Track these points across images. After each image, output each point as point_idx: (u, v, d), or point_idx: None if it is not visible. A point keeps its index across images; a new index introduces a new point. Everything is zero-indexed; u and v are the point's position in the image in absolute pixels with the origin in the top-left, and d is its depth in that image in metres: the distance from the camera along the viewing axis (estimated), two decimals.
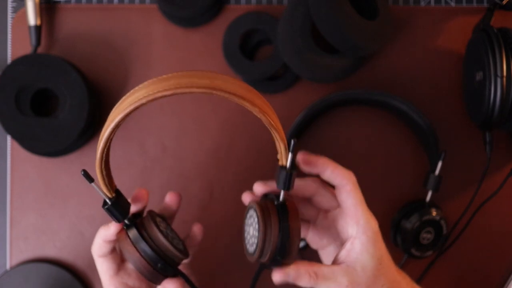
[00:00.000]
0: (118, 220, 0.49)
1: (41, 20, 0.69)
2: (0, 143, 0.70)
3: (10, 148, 0.69)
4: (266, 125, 0.44)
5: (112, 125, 0.43)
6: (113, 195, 0.49)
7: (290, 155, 0.46)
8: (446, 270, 0.69)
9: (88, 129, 0.67)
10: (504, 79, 0.59)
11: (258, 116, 0.43)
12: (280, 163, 0.48)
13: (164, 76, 0.42)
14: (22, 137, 0.65)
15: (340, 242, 0.53)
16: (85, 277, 0.69)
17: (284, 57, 0.65)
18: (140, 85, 0.43)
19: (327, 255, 0.57)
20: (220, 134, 0.69)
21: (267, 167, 0.69)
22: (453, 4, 0.70)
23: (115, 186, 0.50)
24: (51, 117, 0.65)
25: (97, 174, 0.47)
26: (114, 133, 0.44)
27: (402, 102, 0.66)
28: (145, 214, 0.52)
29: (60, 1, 0.70)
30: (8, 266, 0.69)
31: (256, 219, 0.48)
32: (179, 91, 0.41)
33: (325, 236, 0.55)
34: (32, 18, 0.68)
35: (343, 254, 0.50)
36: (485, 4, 0.70)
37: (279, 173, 0.48)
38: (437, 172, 0.64)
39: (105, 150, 0.45)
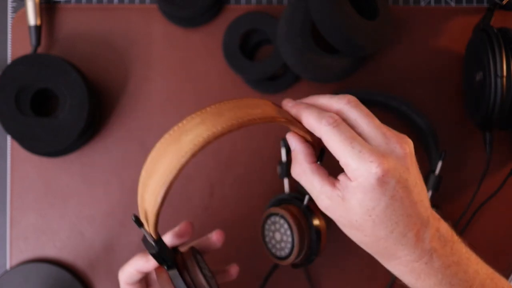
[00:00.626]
0: (162, 264, 0.47)
1: (41, 20, 0.69)
2: (0, 143, 0.70)
3: (10, 148, 0.69)
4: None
5: (175, 172, 0.37)
6: (157, 237, 0.45)
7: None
8: None
9: (88, 129, 0.67)
10: (504, 79, 0.59)
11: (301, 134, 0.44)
12: None
13: (212, 109, 0.39)
14: (22, 137, 0.65)
15: None
16: (85, 277, 0.69)
17: (284, 57, 0.65)
18: (190, 119, 0.39)
19: None
20: None
21: (267, 167, 0.69)
22: (453, 4, 0.70)
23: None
24: (51, 117, 0.65)
25: (152, 220, 0.43)
26: (177, 178, 0.38)
27: (402, 102, 0.66)
28: (186, 248, 0.51)
29: (60, 1, 0.70)
30: (8, 266, 0.69)
31: (286, 225, 0.52)
32: (241, 125, 0.39)
33: None
34: (32, 18, 0.68)
35: (342, 178, 0.42)
36: (485, 4, 0.70)
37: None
38: (437, 172, 0.64)
39: (165, 196, 0.39)
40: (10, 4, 0.70)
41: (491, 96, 0.59)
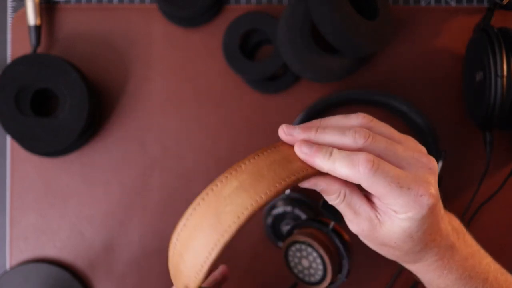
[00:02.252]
0: None
1: (41, 20, 0.69)
2: (0, 143, 0.70)
3: (10, 148, 0.69)
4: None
5: (216, 251, 0.34)
6: None
7: None
8: None
9: (88, 129, 0.67)
10: (505, 79, 0.59)
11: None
12: None
13: (248, 166, 0.36)
14: (22, 137, 0.65)
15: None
16: (85, 277, 0.69)
17: (284, 57, 0.65)
18: (226, 181, 0.35)
19: None
20: (220, 134, 0.69)
21: None
22: (453, 4, 0.70)
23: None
24: (51, 117, 0.65)
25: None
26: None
27: (402, 102, 0.66)
28: None
29: (60, 1, 0.70)
30: (8, 266, 0.69)
31: (315, 253, 0.51)
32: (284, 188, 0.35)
33: None
34: (32, 18, 0.68)
35: (378, 203, 0.40)
36: (486, 4, 0.70)
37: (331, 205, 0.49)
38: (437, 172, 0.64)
39: (207, 274, 0.36)
40: (9, 4, 0.70)
41: (491, 96, 0.59)
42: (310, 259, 0.52)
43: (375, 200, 0.40)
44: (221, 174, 0.35)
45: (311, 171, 0.37)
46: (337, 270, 0.53)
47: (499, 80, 0.59)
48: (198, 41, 0.70)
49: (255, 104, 0.69)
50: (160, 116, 0.70)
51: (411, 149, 0.40)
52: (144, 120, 0.70)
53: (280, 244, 0.67)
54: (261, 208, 0.34)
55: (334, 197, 0.40)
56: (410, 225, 0.39)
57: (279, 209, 0.65)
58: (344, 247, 0.52)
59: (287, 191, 0.67)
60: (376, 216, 0.40)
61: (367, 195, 0.41)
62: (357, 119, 0.40)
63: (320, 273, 0.53)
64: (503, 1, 0.65)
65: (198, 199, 0.35)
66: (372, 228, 0.40)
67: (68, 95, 0.65)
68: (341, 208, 0.41)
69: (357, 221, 0.40)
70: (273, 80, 0.69)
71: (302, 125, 0.40)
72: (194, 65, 0.70)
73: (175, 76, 0.70)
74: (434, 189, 0.39)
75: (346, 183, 0.39)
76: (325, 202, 0.47)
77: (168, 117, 0.70)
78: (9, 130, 0.64)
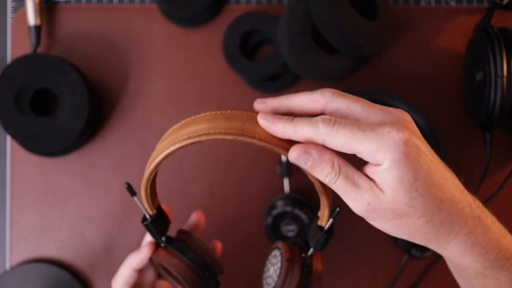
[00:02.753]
0: (155, 237, 0.49)
1: (41, 20, 0.69)
2: (0, 143, 0.70)
3: (10, 148, 0.69)
4: (317, 190, 0.43)
5: (166, 152, 0.40)
6: (154, 212, 0.49)
7: (331, 221, 0.45)
8: (446, 270, 0.69)
9: (88, 129, 0.67)
10: (505, 79, 0.59)
11: (312, 180, 0.41)
12: (319, 222, 0.47)
13: (227, 112, 0.40)
14: (22, 137, 0.65)
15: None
16: (85, 277, 0.69)
17: (284, 57, 0.65)
18: (199, 117, 0.41)
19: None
20: None
21: (267, 168, 0.69)
22: (453, 4, 0.70)
23: (158, 202, 0.50)
24: (51, 117, 0.65)
25: (142, 192, 0.47)
26: (165, 159, 0.41)
27: (402, 102, 0.66)
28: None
29: (59, 1, 0.70)
30: (8, 266, 0.69)
31: (279, 264, 0.49)
32: (240, 138, 0.38)
33: None
34: (32, 18, 0.68)
35: (370, 172, 0.39)
36: (486, 4, 0.70)
37: (316, 231, 0.47)
38: None
39: (154, 173, 0.44)
40: (9, 4, 0.70)
41: (491, 96, 0.59)
42: (275, 270, 0.50)
43: (365, 170, 0.39)
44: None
45: (272, 141, 0.39)
46: None
47: (499, 80, 0.59)
48: (198, 41, 0.70)
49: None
50: (160, 116, 0.70)
51: (383, 106, 0.39)
52: (144, 120, 0.70)
53: None
54: (207, 140, 0.39)
55: (328, 170, 0.38)
56: (401, 170, 0.36)
57: (279, 209, 0.65)
58: (305, 280, 0.49)
59: (287, 191, 0.67)
60: (376, 185, 0.38)
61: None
62: (322, 97, 0.40)
63: (273, 286, 0.50)
64: (503, 1, 0.65)
65: (183, 120, 0.42)
66: (377, 199, 0.38)
67: (68, 95, 0.65)
68: (340, 184, 0.38)
69: (360, 195, 0.38)
70: (273, 80, 0.69)
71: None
72: (194, 65, 0.70)
73: (175, 76, 0.70)
74: (405, 130, 0.37)
75: (337, 154, 0.38)
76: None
77: (168, 117, 0.70)
78: (9, 130, 0.64)
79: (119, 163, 0.69)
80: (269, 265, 0.52)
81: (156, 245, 0.51)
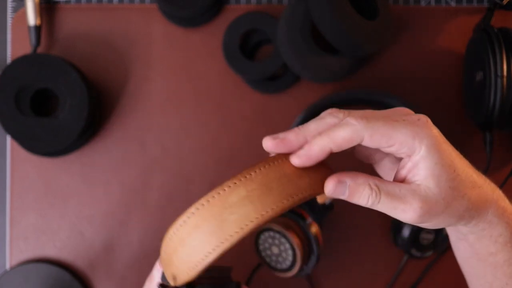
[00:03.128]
0: None
1: (41, 20, 0.69)
2: (0, 143, 0.70)
3: (10, 148, 0.69)
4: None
5: (214, 256, 0.34)
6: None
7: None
8: (446, 270, 0.69)
9: (88, 129, 0.67)
10: (505, 79, 0.59)
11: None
12: (319, 200, 0.48)
13: (257, 176, 0.35)
14: (22, 137, 0.65)
15: (394, 157, 0.42)
16: (85, 277, 0.69)
17: (284, 57, 0.65)
18: (234, 188, 0.34)
19: (381, 170, 0.45)
20: (220, 134, 0.69)
21: None
22: (453, 4, 0.70)
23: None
24: (51, 117, 0.65)
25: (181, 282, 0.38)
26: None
27: (402, 102, 0.66)
28: None
29: (59, 1, 0.70)
30: (8, 266, 0.69)
31: (283, 239, 0.49)
32: (291, 206, 0.35)
33: (373, 150, 0.43)
34: (32, 18, 0.68)
35: (405, 172, 0.38)
36: (486, 4, 0.70)
37: (315, 205, 0.48)
38: None
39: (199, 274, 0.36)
40: (9, 4, 0.70)
41: (491, 96, 0.59)
42: (281, 248, 0.51)
43: (399, 175, 0.38)
44: (230, 179, 0.35)
45: (318, 190, 0.37)
46: (305, 263, 0.53)
47: (499, 80, 0.59)
48: (198, 41, 0.70)
49: (255, 104, 0.69)
50: (160, 116, 0.70)
51: (391, 110, 0.40)
52: (144, 120, 0.70)
53: None
54: (265, 223, 0.34)
55: (367, 192, 0.37)
56: (439, 155, 0.37)
57: None
58: (316, 244, 0.51)
59: None
60: (418, 184, 0.37)
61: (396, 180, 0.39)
62: (329, 114, 0.39)
63: (288, 263, 0.52)
64: (503, 1, 0.65)
65: (203, 200, 0.35)
66: (426, 197, 0.37)
67: (68, 95, 0.65)
68: (384, 203, 0.37)
69: (409, 204, 0.37)
70: (273, 80, 0.69)
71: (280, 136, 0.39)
72: (194, 65, 0.70)
73: (175, 76, 0.70)
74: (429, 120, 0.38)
75: (369, 175, 0.37)
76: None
77: (168, 117, 0.70)
78: (9, 130, 0.64)
79: (119, 163, 0.69)
80: (266, 245, 0.53)
81: None
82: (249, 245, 0.57)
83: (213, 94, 0.70)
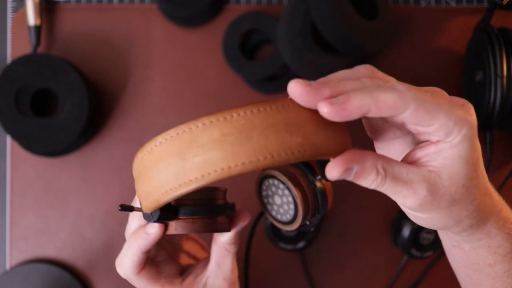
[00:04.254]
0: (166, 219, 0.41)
1: (41, 20, 0.69)
2: (0, 143, 0.70)
3: (10, 148, 0.69)
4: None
5: (174, 195, 0.31)
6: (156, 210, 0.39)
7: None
8: (446, 270, 0.69)
9: (88, 129, 0.67)
10: (505, 79, 0.59)
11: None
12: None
13: (240, 119, 0.30)
14: (22, 137, 0.65)
15: (415, 138, 0.38)
16: (84, 278, 0.69)
17: (284, 57, 0.65)
18: (208, 126, 0.30)
19: (388, 149, 0.41)
20: None
21: None
22: (453, 4, 0.70)
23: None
24: (51, 117, 0.65)
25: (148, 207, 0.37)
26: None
27: None
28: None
29: (59, 1, 0.70)
30: (7, 267, 0.69)
31: (281, 185, 0.43)
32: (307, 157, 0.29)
33: (388, 126, 0.39)
34: (31, 18, 0.68)
35: (421, 155, 0.35)
36: (485, 4, 0.70)
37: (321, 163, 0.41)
38: None
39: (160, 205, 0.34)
40: (9, 4, 0.70)
41: (491, 96, 0.59)
42: (284, 200, 0.46)
43: (414, 155, 0.35)
44: (208, 115, 0.31)
45: (314, 151, 0.31)
46: (310, 206, 0.46)
47: (499, 80, 0.59)
48: (198, 41, 0.70)
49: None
50: (160, 116, 0.70)
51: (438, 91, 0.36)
52: (144, 120, 0.70)
53: (280, 244, 0.67)
54: (230, 177, 0.29)
55: (373, 177, 0.33)
56: (469, 149, 0.34)
57: None
58: (323, 202, 0.45)
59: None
60: (430, 171, 0.34)
61: (406, 160, 0.35)
62: (365, 69, 0.35)
63: (288, 217, 0.47)
64: (503, 1, 0.65)
65: (172, 131, 0.31)
66: (433, 186, 0.34)
67: (68, 95, 0.65)
68: (389, 187, 0.34)
69: (411, 190, 0.34)
70: (273, 80, 0.69)
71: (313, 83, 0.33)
72: (194, 65, 0.70)
73: (175, 76, 0.70)
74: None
75: (375, 155, 0.33)
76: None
77: (168, 117, 0.70)
78: (9, 130, 0.64)
79: (119, 163, 0.69)
80: (269, 193, 0.47)
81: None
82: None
83: (213, 94, 0.70)
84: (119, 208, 0.38)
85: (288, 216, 0.47)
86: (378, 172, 0.33)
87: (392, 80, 0.35)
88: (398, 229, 0.66)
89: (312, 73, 0.65)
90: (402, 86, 0.32)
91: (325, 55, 0.64)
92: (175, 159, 0.30)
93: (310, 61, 0.64)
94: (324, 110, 0.31)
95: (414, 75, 0.69)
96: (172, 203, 0.41)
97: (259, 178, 0.47)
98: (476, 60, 0.63)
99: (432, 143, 0.34)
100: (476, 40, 0.64)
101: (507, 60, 0.59)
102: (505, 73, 0.59)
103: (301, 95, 0.32)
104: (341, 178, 0.33)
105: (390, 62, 0.70)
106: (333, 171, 0.32)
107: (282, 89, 0.69)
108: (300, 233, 0.66)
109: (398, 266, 0.68)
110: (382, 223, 0.69)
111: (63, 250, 0.69)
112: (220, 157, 0.29)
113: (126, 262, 0.43)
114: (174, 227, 0.41)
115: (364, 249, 0.69)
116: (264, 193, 0.47)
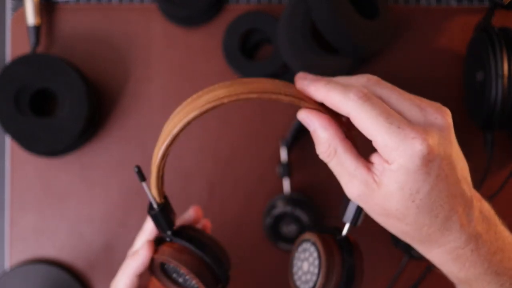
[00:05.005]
0: (163, 229, 0.44)
1: (40, 19, 0.69)
2: (0, 143, 0.70)
3: (10, 148, 0.69)
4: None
5: (185, 120, 0.38)
6: (162, 201, 0.44)
7: None
8: None
9: (88, 129, 0.67)
10: (505, 79, 0.59)
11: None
12: None
13: (243, 79, 0.39)
14: (22, 137, 0.65)
15: None
16: (84, 278, 0.69)
17: (284, 57, 0.65)
18: (213, 87, 0.39)
19: None
20: (220, 134, 0.69)
21: (267, 168, 0.69)
22: (454, 3, 0.70)
23: (164, 191, 0.44)
24: (51, 117, 0.65)
25: (153, 176, 0.42)
26: (183, 130, 0.39)
27: None
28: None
29: (59, 1, 0.70)
30: (7, 267, 0.69)
31: (316, 255, 0.43)
32: (265, 96, 0.37)
33: None
34: (31, 18, 0.67)
35: (376, 161, 0.37)
36: (486, 4, 0.70)
37: (348, 204, 0.43)
38: None
39: (169, 147, 0.40)
40: (9, 4, 0.70)
41: (492, 96, 0.59)
42: (310, 262, 0.45)
43: (372, 158, 0.37)
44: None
45: (302, 98, 0.38)
46: (332, 286, 0.44)
47: (499, 80, 0.59)
48: (198, 41, 0.70)
49: (255, 104, 0.69)
50: (160, 116, 0.70)
51: (423, 100, 0.38)
52: (144, 120, 0.70)
53: (280, 244, 0.67)
54: (231, 101, 0.37)
55: (322, 149, 0.38)
56: (406, 178, 0.35)
57: (279, 210, 0.65)
58: (351, 263, 0.43)
59: (287, 191, 0.66)
60: (373, 179, 0.37)
61: (364, 159, 0.38)
62: (358, 81, 0.38)
63: (313, 280, 0.44)
64: (504, 1, 0.65)
65: (194, 94, 0.40)
66: (370, 192, 0.37)
67: (68, 95, 0.65)
68: (334, 167, 0.38)
69: (352, 184, 0.37)
70: None
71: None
72: (194, 65, 0.70)
73: (175, 76, 0.70)
74: (432, 141, 0.35)
75: (339, 137, 0.37)
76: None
77: (168, 117, 0.69)
78: (9, 130, 0.64)
79: (119, 163, 0.69)
80: (299, 263, 0.46)
81: (157, 242, 0.47)
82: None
83: None
84: (135, 169, 0.43)
85: (306, 286, 0.44)
86: (328, 147, 0.37)
87: (387, 88, 0.38)
88: None
89: (312, 73, 0.65)
90: (355, 95, 0.36)
91: (325, 55, 0.64)
92: (192, 103, 0.39)
93: (310, 61, 0.64)
94: (298, 80, 0.39)
95: (414, 75, 0.69)
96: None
97: (300, 240, 0.46)
98: (477, 60, 0.63)
99: (381, 158, 0.37)
100: (476, 40, 0.64)
101: (508, 60, 0.59)
102: (505, 73, 0.59)
103: (298, 77, 0.39)
104: (305, 123, 0.38)
105: (390, 62, 0.69)
106: (301, 113, 0.38)
107: None
108: (300, 232, 0.65)
109: (398, 267, 0.68)
110: None
111: (63, 250, 0.69)
112: (225, 91, 0.37)
113: (121, 284, 0.48)
114: (168, 251, 0.45)
115: (364, 249, 0.69)
116: (298, 254, 0.46)
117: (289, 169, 0.66)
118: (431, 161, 0.35)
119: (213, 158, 0.69)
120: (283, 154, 0.66)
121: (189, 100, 0.40)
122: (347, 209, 0.43)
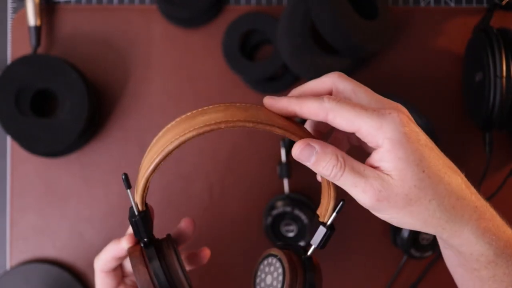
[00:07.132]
0: (141, 236, 0.45)
1: (41, 20, 0.69)
2: (0, 143, 0.70)
3: (10, 148, 0.69)
4: (323, 183, 0.43)
5: (181, 139, 0.38)
6: (144, 209, 0.45)
7: (334, 215, 0.44)
8: (445, 270, 0.69)
9: (88, 129, 0.67)
10: (504, 79, 0.59)
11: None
12: (321, 219, 0.45)
13: (238, 104, 0.39)
14: (22, 137, 0.65)
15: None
16: (84, 278, 0.69)
17: (284, 57, 0.65)
18: (208, 108, 0.39)
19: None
20: (220, 135, 0.69)
21: (267, 167, 0.69)
22: (452, 4, 0.70)
23: (145, 200, 0.46)
24: (51, 117, 0.65)
25: (140, 186, 0.43)
26: (177, 148, 0.39)
27: (402, 102, 0.66)
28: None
29: (59, 2, 0.71)
30: (8, 267, 0.69)
31: (281, 271, 0.46)
32: (260, 126, 0.38)
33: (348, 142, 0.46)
34: (32, 19, 0.68)
35: (373, 160, 0.39)
36: (485, 5, 0.70)
37: (316, 227, 0.45)
38: None
39: (161, 162, 0.40)
40: (10, 5, 0.70)
41: (491, 97, 0.59)
42: (275, 277, 0.47)
43: (368, 160, 0.39)
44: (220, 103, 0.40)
45: (279, 126, 0.38)
46: None
47: (498, 80, 0.59)
48: (198, 41, 0.70)
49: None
50: (160, 116, 0.70)
51: (379, 96, 0.40)
52: (144, 120, 0.70)
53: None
54: (229, 127, 0.37)
55: (333, 162, 0.38)
56: (405, 152, 0.37)
57: (278, 210, 0.65)
58: (312, 283, 0.46)
59: (287, 191, 0.67)
60: (382, 171, 0.38)
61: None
62: (329, 78, 0.41)
63: None
64: (503, 1, 0.65)
65: (188, 113, 0.41)
66: (387, 185, 0.37)
67: (68, 95, 0.65)
68: (347, 176, 0.38)
69: (369, 184, 0.37)
70: (273, 80, 0.69)
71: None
72: (193, 65, 0.70)
73: (175, 76, 0.70)
74: (403, 113, 0.38)
75: (337, 148, 0.39)
76: None
77: (168, 117, 0.70)
78: (9, 130, 0.64)
79: (119, 164, 0.69)
80: (263, 275, 0.49)
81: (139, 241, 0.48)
82: None
83: (213, 94, 0.70)
84: (123, 176, 0.45)
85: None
86: (337, 159, 0.38)
87: (355, 84, 0.41)
88: (397, 229, 0.66)
89: (311, 73, 0.65)
90: (327, 99, 0.38)
91: (325, 55, 0.64)
92: (187, 122, 0.39)
93: (310, 61, 0.64)
94: (266, 100, 0.40)
95: (414, 75, 0.70)
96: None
97: (265, 254, 0.49)
98: (476, 60, 0.63)
99: (377, 150, 0.38)
100: (475, 41, 0.64)
101: (506, 61, 0.59)
102: (504, 73, 0.59)
103: (266, 101, 0.40)
104: (303, 157, 0.38)
105: (390, 62, 0.70)
106: (296, 147, 0.38)
107: (281, 89, 0.69)
108: (300, 232, 0.66)
109: (398, 266, 0.68)
110: (382, 222, 0.69)
111: (63, 250, 0.69)
112: (222, 115, 0.38)
113: (100, 259, 0.50)
114: (134, 255, 0.46)
115: (363, 249, 0.69)
116: (263, 267, 0.49)
117: (289, 169, 0.66)
118: (413, 131, 0.38)
119: (213, 159, 0.69)
120: (283, 154, 0.66)
121: (183, 117, 0.40)
122: (316, 233, 0.45)
